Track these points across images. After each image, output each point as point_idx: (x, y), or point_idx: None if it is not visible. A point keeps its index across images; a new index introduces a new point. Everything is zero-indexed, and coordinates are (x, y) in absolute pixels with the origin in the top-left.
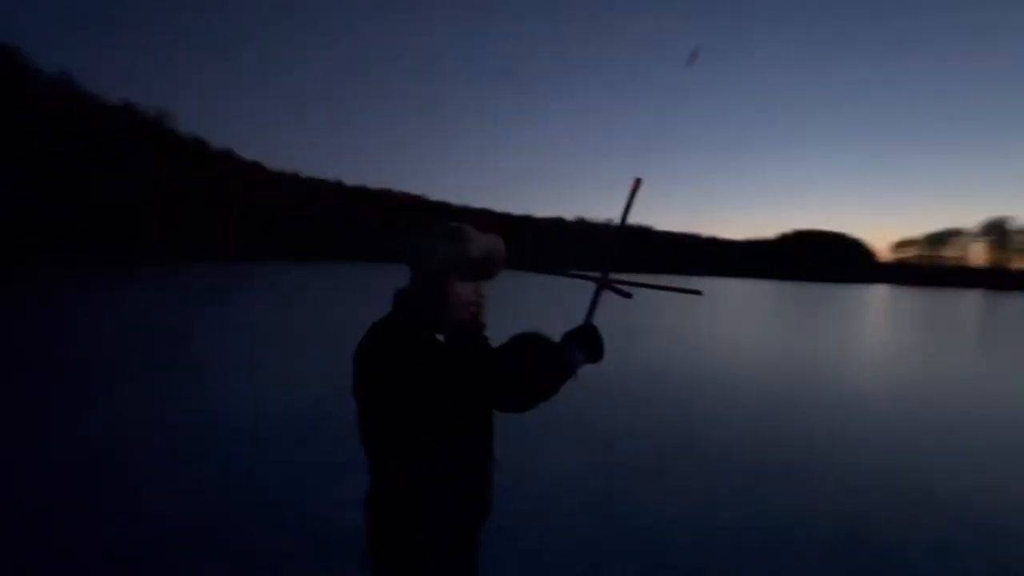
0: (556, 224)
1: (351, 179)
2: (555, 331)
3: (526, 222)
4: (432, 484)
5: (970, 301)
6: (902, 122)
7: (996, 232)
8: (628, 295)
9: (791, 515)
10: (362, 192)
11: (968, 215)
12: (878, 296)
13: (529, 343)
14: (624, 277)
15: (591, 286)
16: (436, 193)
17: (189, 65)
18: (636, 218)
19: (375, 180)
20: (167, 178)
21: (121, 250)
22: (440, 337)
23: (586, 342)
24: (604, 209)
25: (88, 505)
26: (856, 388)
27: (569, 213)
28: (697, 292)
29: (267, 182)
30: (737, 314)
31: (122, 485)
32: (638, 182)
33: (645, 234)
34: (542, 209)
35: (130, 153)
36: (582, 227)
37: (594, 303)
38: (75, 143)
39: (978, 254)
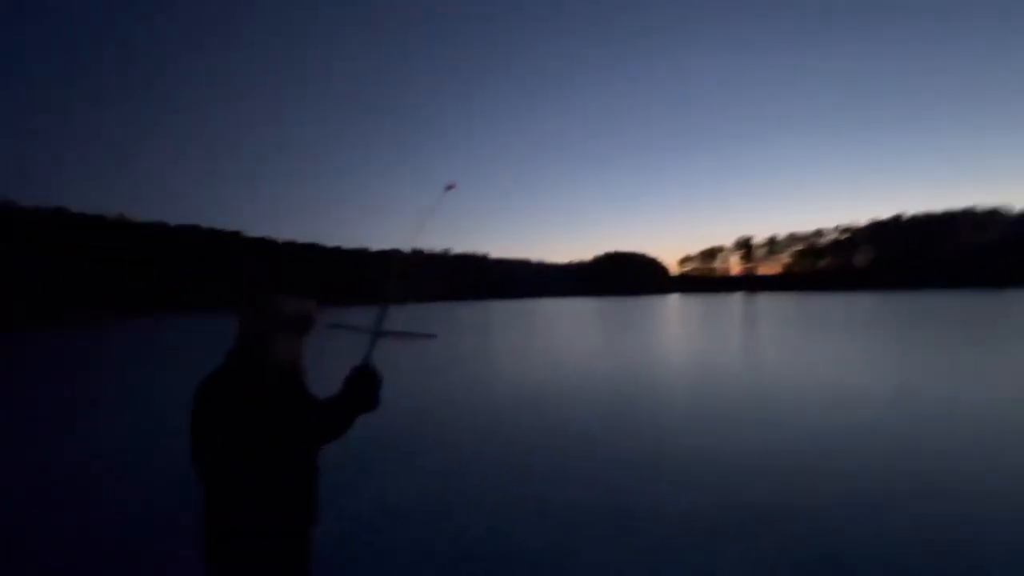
0: (393, 255)
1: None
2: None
3: (361, 255)
4: (266, 499)
5: (736, 302)
6: (672, 156)
7: (745, 247)
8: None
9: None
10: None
11: (728, 233)
12: (675, 303)
13: (326, 409)
14: (389, 329)
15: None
16: (255, 230)
17: None
18: (472, 246)
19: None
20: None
21: None
22: (266, 381)
23: (361, 389)
24: (440, 238)
25: None
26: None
27: (405, 244)
28: (433, 336)
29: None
30: (572, 328)
31: None
32: (451, 187)
33: (482, 262)
34: (378, 242)
35: None
36: (414, 256)
37: (371, 348)
38: None
39: (735, 264)
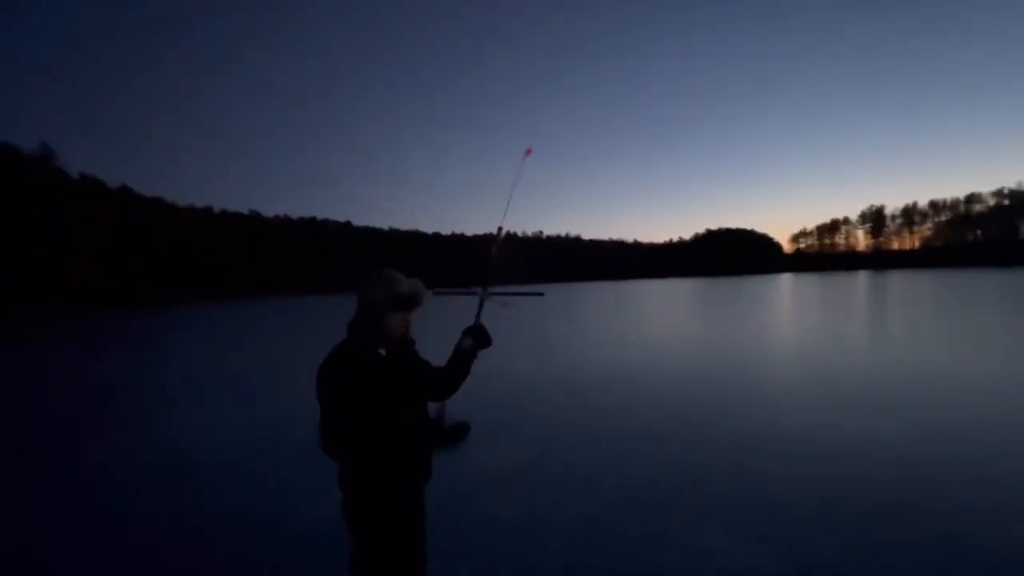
0: (487, 239)
1: (269, 210)
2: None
3: (459, 240)
4: (388, 459)
5: (862, 281)
6: (784, 124)
7: (874, 219)
8: (504, 304)
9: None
10: (287, 221)
11: (851, 205)
12: (786, 283)
13: (448, 364)
14: (496, 289)
15: (477, 297)
16: (362, 219)
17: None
18: (563, 229)
19: (289, 210)
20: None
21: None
22: (382, 352)
23: (477, 336)
24: (531, 222)
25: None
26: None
27: (498, 223)
28: (541, 294)
29: (210, 222)
30: (662, 311)
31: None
32: (528, 151)
33: (573, 244)
34: (472, 227)
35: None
36: (508, 240)
37: (480, 308)
38: None
39: (861, 239)
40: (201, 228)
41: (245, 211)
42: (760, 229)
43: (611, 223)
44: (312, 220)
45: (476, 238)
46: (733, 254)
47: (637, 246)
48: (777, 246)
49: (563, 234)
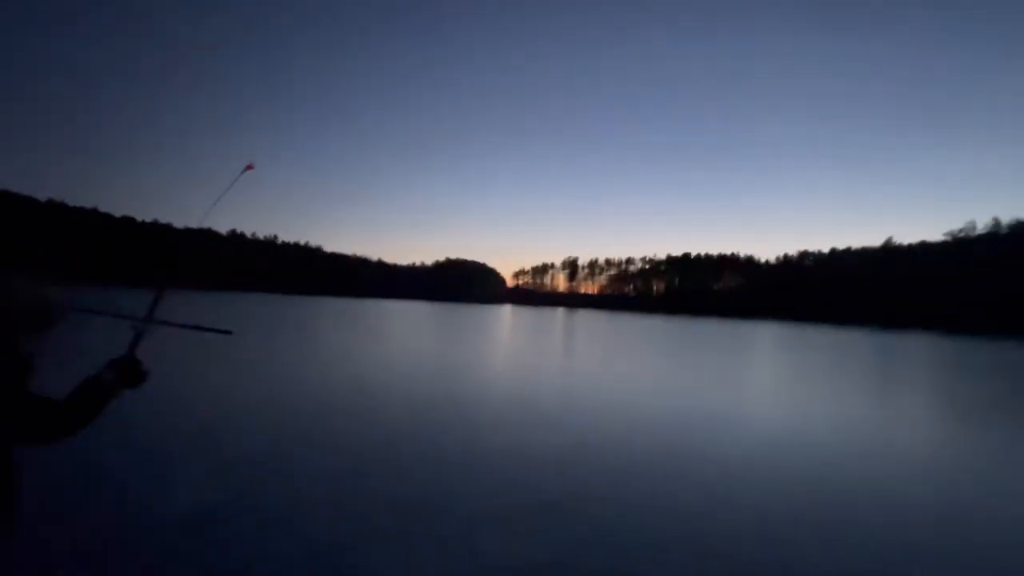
0: (201, 235)
1: None
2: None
3: (159, 229)
4: None
5: (558, 315)
6: (511, 168)
7: (571, 267)
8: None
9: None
10: None
11: (560, 251)
12: (507, 313)
13: (75, 397)
14: (167, 318)
15: (136, 324)
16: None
17: None
18: (305, 237)
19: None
20: None
21: None
22: None
23: (127, 370)
24: (265, 224)
25: None
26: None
27: (196, 222)
28: (228, 332)
29: None
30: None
31: None
32: (249, 167)
33: (314, 254)
34: (182, 218)
35: None
36: (204, 236)
37: (137, 338)
38: None
39: (562, 281)
40: None
41: None
42: (492, 263)
43: (358, 240)
44: None
45: (163, 228)
46: (468, 283)
47: (382, 265)
48: (503, 280)
49: (301, 242)
